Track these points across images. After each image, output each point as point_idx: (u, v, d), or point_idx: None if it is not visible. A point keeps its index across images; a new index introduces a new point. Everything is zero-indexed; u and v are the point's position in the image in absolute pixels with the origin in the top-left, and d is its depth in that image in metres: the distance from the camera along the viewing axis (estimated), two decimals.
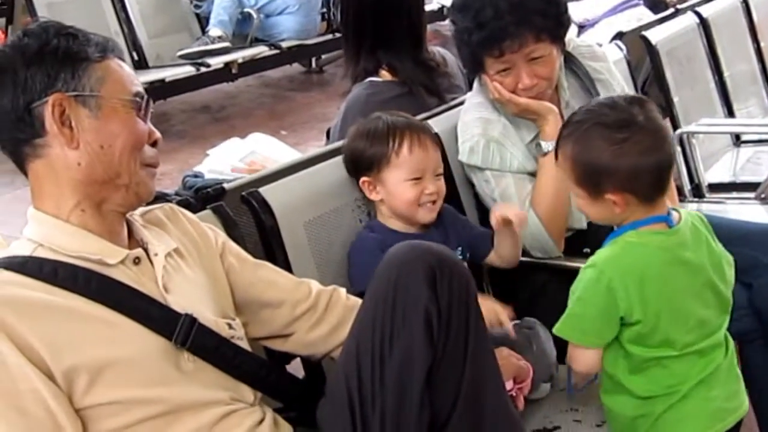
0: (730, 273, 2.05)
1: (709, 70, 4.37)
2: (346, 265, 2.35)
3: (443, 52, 3.23)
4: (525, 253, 2.61)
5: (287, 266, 2.19)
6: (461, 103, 2.86)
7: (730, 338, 2.07)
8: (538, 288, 2.61)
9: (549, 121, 2.56)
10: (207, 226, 1.96)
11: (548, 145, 2.55)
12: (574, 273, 2.58)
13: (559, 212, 2.57)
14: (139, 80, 1.77)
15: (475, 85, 2.71)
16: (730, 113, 4.43)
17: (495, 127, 2.61)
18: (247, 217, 2.22)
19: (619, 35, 3.92)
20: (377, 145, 2.35)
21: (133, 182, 1.71)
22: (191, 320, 1.70)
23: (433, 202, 2.37)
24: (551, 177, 2.55)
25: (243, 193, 2.23)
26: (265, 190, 2.25)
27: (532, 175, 2.61)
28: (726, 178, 4.00)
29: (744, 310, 2.47)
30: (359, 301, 2.01)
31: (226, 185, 2.28)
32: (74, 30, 1.71)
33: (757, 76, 4.79)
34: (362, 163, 2.37)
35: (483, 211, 2.75)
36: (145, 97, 1.74)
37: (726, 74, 4.45)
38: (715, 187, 3.83)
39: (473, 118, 2.64)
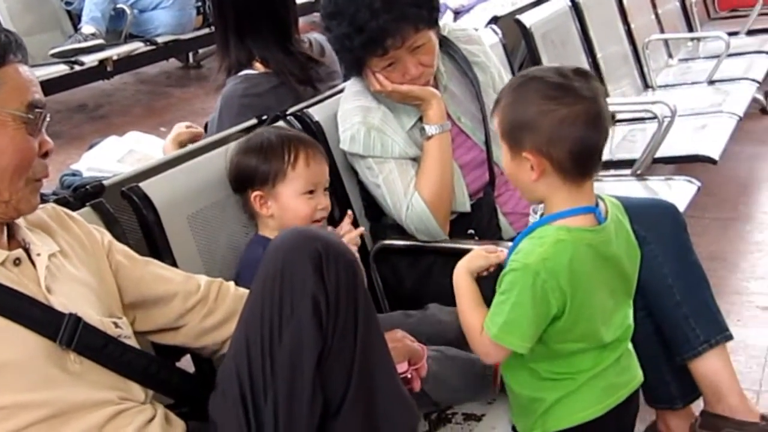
0: (638, 261, 2.05)
1: (582, 52, 4.48)
2: (233, 259, 2.33)
3: (320, 39, 3.21)
4: (411, 237, 2.64)
5: (172, 261, 2.16)
6: (341, 91, 2.86)
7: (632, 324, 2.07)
8: (425, 271, 2.62)
9: (432, 105, 2.58)
10: (93, 227, 1.91)
11: (432, 129, 2.57)
12: (459, 255, 2.64)
13: (445, 196, 2.59)
14: (38, 87, 1.69)
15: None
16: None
17: (375, 114, 2.61)
18: (129, 213, 2.18)
19: (494, 19, 3.98)
20: (272, 158, 2.31)
21: (13, 199, 1.65)
22: (76, 320, 1.66)
23: (323, 218, 2.37)
24: (436, 160, 2.57)
25: (123, 189, 2.18)
26: (145, 185, 2.20)
27: (414, 160, 2.63)
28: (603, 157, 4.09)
29: None
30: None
31: (105, 182, 2.23)
32: None
33: (628, 57, 4.93)
34: (255, 178, 2.31)
35: (367, 200, 2.75)
36: (42, 111, 1.67)
37: (599, 56, 4.57)
38: None
39: (353, 106, 2.64)
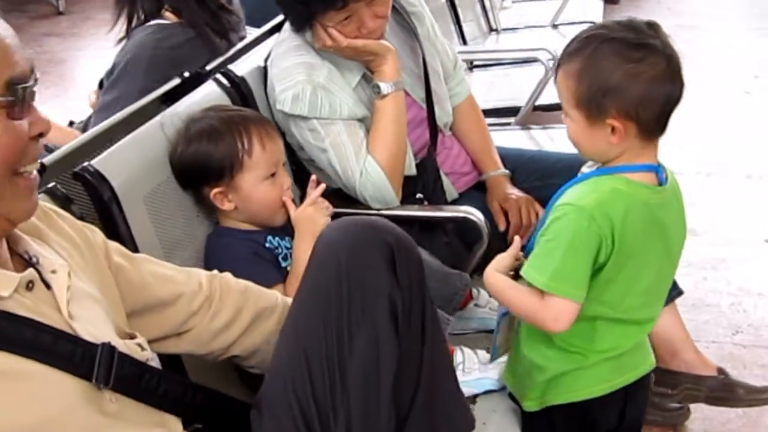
0: (682, 245, 1.93)
1: None
2: (193, 244, 2.07)
3: None
4: (353, 203, 2.42)
5: (135, 251, 1.85)
6: (255, 43, 2.59)
7: None
8: None
9: (388, 60, 2.36)
10: (82, 224, 1.55)
11: (387, 87, 2.35)
12: (409, 222, 2.45)
13: (400, 158, 2.39)
14: (21, 53, 1.27)
15: (288, 26, 2.44)
16: (461, 34, 4.43)
17: (320, 72, 2.35)
18: (81, 197, 1.84)
19: None
20: (224, 148, 2.03)
21: (3, 211, 1.29)
22: (110, 350, 1.33)
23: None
24: (391, 121, 2.36)
25: (75, 170, 1.84)
26: (98, 163, 1.86)
27: (361, 121, 2.40)
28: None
29: None
30: (248, 284, 1.74)
31: (44, 161, 1.87)
32: None
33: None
34: (209, 173, 2.04)
35: (297, 164, 2.51)
36: (27, 85, 1.26)
37: None
38: None
39: (294, 62, 2.37)
